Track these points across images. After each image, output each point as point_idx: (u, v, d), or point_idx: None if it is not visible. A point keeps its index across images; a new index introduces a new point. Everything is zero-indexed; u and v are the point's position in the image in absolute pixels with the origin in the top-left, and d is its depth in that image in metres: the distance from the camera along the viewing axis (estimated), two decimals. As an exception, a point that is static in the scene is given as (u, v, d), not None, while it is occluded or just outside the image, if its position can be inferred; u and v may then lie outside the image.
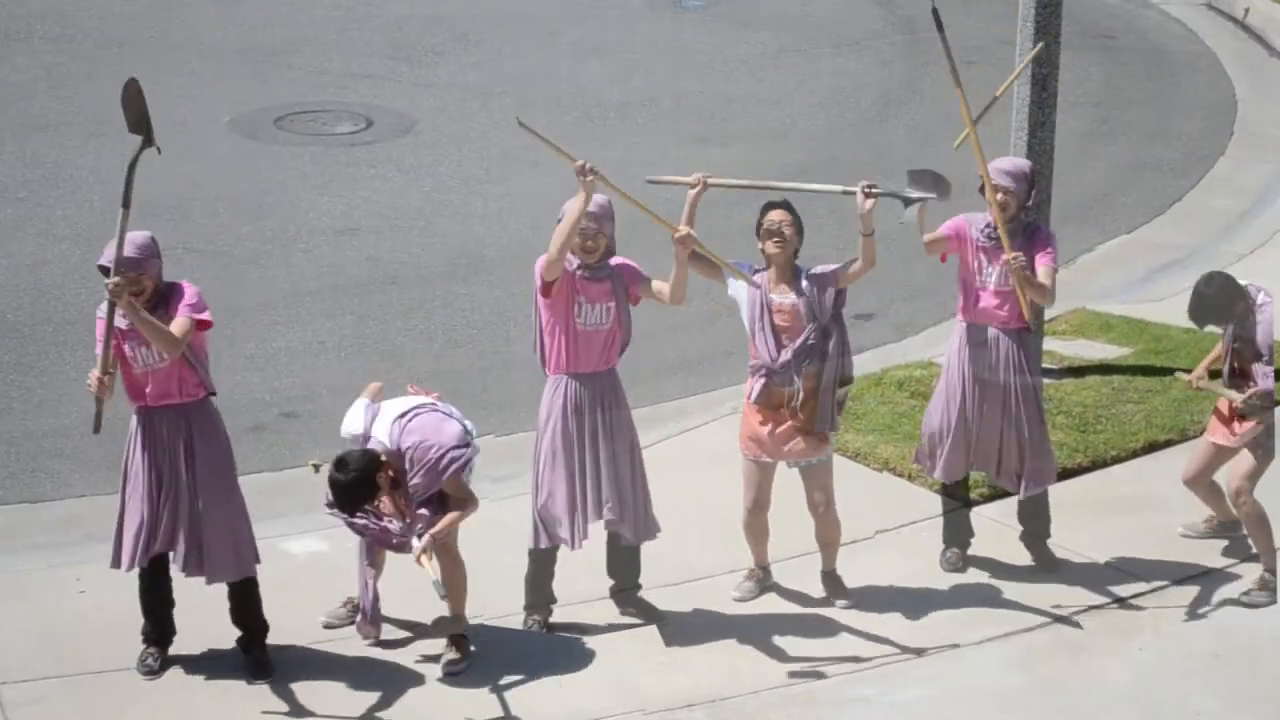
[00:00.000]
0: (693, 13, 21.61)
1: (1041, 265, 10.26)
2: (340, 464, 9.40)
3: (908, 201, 9.99)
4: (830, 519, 10.37)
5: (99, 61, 19.13)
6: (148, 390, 9.44)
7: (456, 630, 9.80)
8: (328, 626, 10.06)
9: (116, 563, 9.62)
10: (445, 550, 9.62)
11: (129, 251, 9.21)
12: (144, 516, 9.47)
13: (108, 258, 9.25)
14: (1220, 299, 10.26)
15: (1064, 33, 12.69)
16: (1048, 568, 10.77)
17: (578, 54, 19.90)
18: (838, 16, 21.37)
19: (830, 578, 10.50)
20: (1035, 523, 10.88)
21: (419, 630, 10.04)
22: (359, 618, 9.97)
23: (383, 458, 9.48)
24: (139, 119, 9.26)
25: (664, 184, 10.20)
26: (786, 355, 10.02)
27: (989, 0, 17.73)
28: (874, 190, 9.86)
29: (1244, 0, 21.93)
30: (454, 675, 9.72)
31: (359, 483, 9.37)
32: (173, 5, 21.10)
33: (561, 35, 20.55)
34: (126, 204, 9.20)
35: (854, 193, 9.86)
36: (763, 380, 10.11)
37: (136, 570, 9.62)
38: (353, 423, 9.75)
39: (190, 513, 9.49)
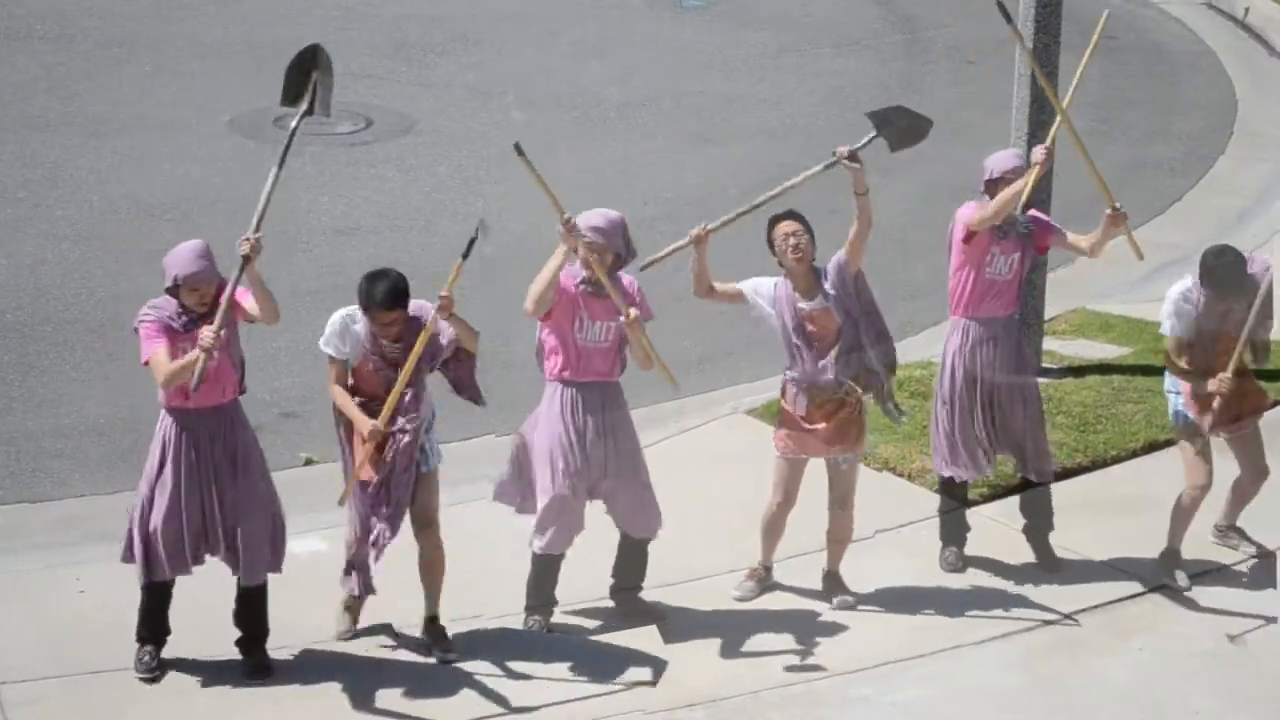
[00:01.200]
0: (693, 13, 21.61)
1: (1064, 232, 10.61)
2: (382, 271, 9.74)
3: (891, 144, 9.99)
4: (847, 517, 10.38)
5: (99, 61, 19.12)
6: (192, 393, 9.39)
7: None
8: (340, 639, 10.00)
9: (161, 572, 9.52)
10: (433, 545, 9.68)
11: (197, 266, 9.33)
12: (189, 523, 9.45)
13: (257, 218, 9.49)
14: (1238, 265, 10.17)
15: (1064, 33, 12.68)
16: (1049, 565, 10.76)
17: (578, 54, 19.89)
18: (838, 16, 21.36)
19: (831, 577, 10.50)
20: (1038, 517, 10.88)
21: (418, 636, 10.05)
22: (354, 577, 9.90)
23: None
24: (297, 90, 9.46)
25: (662, 260, 10.10)
26: (825, 365, 10.00)
27: (989, 0, 17.64)
28: (855, 149, 9.87)
29: (1244, 0, 21.94)
30: (450, 662, 9.71)
31: (400, 284, 9.69)
32: (173, 5, 21.09)
33: (561, 35, 20.55)
34: (281, 164, 9.61)
35: (836, 163, 9.89)
36: (804, 393, 10.10)
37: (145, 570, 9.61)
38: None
39: (235, 514, 9.50)
